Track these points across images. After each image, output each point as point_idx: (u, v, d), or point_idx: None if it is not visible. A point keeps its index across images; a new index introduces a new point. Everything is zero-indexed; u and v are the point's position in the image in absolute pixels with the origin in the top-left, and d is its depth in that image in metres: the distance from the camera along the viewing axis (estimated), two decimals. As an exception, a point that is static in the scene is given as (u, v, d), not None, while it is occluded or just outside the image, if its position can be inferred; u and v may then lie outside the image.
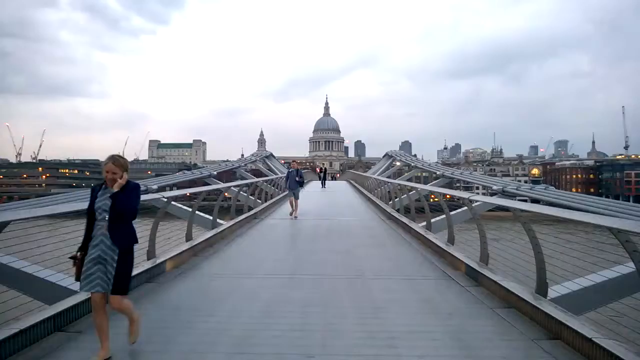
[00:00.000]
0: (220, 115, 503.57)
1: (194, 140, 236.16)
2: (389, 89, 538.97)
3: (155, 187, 13.25)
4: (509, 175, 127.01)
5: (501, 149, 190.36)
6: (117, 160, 4.31)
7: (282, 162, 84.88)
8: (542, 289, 5.99)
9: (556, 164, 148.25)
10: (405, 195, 17.01)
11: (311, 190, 34.16)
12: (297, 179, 16.76)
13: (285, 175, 19.89)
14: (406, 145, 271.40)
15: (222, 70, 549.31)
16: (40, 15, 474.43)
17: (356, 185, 40.85)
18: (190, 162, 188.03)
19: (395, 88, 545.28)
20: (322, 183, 40.74)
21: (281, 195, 25.75)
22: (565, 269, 6.66)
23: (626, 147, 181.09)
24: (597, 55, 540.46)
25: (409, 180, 32.99)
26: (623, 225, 4.73)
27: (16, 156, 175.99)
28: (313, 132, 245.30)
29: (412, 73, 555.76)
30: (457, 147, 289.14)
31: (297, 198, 16.64)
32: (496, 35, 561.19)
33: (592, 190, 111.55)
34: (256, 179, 23.44)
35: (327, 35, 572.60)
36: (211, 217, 13.15)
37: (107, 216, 4.26)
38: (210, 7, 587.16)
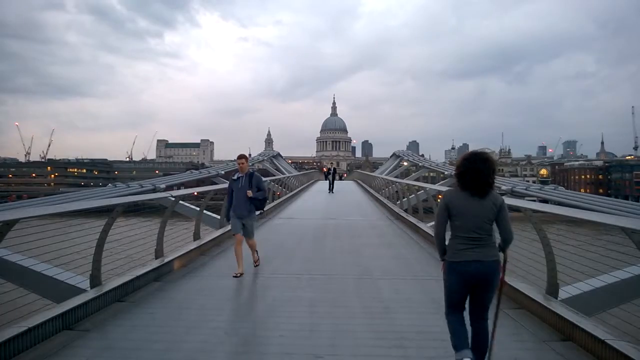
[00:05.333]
0: (228, 115, 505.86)
1: (201, 140, 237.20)
2: (394, 89, 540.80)
3: (163, 186, 13.31)
4: (517, 176, 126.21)
5: (509, 149, 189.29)
6: None
7: (290, 162, 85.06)
8: (552, 290, 5.91)
9: (565, 164, 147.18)
10: (413, 195, 16.94)
11: (317, 191, 34.06)
12: (249, 192, 7.95)
13: (227, 185, 8.90)
14: (414, 145, 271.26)
15: (228, 70, 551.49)
16: (48, 18, 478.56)
17: (364, 185, 40.70)
18: (198, 161, 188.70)
19: (400, 88, 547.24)
20: (329, 187, 31.78)
21: (289, 195, 25.77)
22: (576, 269, 6.57)
23: (635, 148, 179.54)
24: (602, 56, 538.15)
25: (417, 180, 32.96)
26: (638, 226, 4.66)
27: (25, 155, 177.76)
28: (320, 132, 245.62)
29: (417, 73, 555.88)
30: (465, 147, 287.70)
31: (251, 236, 8.08)
32: (499, 36, 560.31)
33: (601, 190, 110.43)
34: (263, 179, 23.38)
35: (331, 34, 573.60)
36: (219, 217, 13.13)
37: None
38: (215, 9, 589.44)
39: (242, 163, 8.25)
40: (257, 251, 8.26)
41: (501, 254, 3.88)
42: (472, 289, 3.83)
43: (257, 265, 8.13)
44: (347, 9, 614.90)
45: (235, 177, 8.30)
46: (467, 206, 3.73)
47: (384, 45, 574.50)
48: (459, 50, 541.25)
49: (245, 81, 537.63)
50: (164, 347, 4.53)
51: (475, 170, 3.72)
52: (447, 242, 3.91)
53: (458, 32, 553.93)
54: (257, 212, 8.40)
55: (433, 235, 3.99)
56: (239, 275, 7.50)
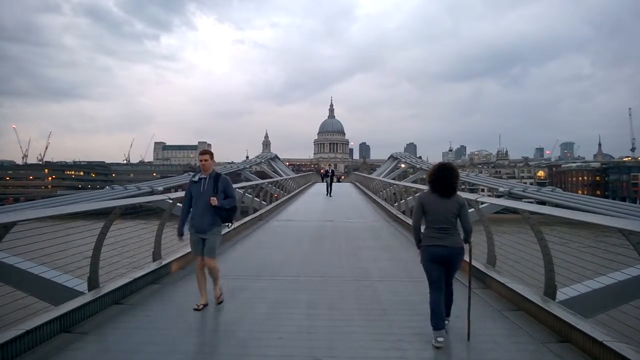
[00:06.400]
0: (225, 117, 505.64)
1: (199, 142, 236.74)
2: (391, 91, 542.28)
3: (160, 188, 13.26)
4: (514, 178, 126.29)
5: (506, 151, 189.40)
6: None
7: (287, 164, 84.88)
8: (550, 292, 5.92)
9: (562, 166, 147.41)
10: (410, 197, 16.93)
11: (314, 193, 33.97)
12: (214, 200, 5.93)
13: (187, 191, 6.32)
14: (411, 147, 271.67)
15: (225, 72, 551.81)
16: (44, 20, 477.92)
17: (361, 187, 40.69)
18: (196, 163, 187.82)
19: (397, 90, 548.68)
20: (327, 190, 29.31)
21: (286, 197, 25.75)
22: (574, 271, 6.59)
23: (633, 149, 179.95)
24: (598, 58, 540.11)
25: (415, 182, 32.90)
26: (636, 227, 4.67)
27: (22, 158, 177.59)
28: (318, 134, 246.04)
29: (414, 75, 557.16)
30: (462, 149, 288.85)
31: (211, 254, 6.02)
32: (495, 38, 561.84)
33: (598, 192, 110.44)
34: (261, 181, 23.42)
35: (328, 37, 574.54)
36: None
37: None
38: (211, 11, 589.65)
39: (206, 160, 6.13)
40: (219, 280, 6.14)
41: (466, 245, 4.97)
42: (440, 267, 4.87)
43: (219, 303, 6.04)
44: (344, 11, 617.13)
45: (195, 179, 6.14)
46: (437, 205, 4.88)
47: (381, 47, 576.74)
48: (455, 52, 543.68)
49: (242, 83, 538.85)
50: (162, 350, 4.52)
51: (444, 178, 4.92)
52: (422, 232, 4.98)
53: (454, 34, 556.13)
54: (229, 227, 6.71)
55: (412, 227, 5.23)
56: (201, 307, 5.80)
